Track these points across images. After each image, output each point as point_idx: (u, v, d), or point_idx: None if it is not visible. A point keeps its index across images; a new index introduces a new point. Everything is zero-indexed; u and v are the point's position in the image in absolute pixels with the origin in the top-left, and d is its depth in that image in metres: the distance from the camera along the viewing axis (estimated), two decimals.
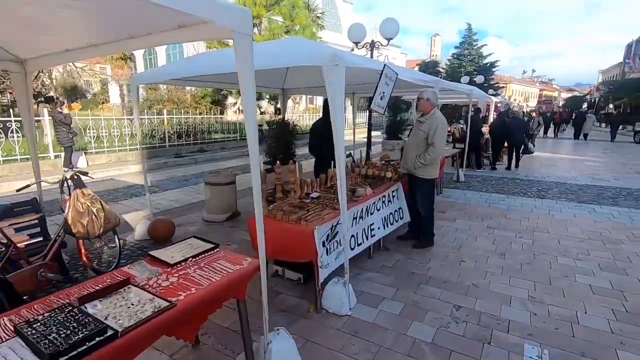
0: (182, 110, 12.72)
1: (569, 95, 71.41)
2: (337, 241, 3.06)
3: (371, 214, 3.73)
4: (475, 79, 23.63)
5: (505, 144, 10.04)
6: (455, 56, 47.70)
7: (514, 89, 65.16)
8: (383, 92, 3.56)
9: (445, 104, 20.70)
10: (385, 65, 3.40)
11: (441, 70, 48.48)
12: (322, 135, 4.60)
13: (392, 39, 8.89)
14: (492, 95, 27.37)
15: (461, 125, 11.39)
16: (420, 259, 3.91)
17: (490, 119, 13.55)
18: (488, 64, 45.45)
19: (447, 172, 8.74)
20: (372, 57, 9.22)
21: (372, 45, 9.10)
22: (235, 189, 5.49)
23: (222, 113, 13.51)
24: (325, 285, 2.91)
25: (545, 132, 22.08)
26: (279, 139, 6.57)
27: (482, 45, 45.96)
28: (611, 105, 38.64)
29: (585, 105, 51.93)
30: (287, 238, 2.76)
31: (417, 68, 45.01)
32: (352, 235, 3.39)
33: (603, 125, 30.63)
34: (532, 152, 11.13)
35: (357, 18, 46.10)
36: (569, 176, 8.81)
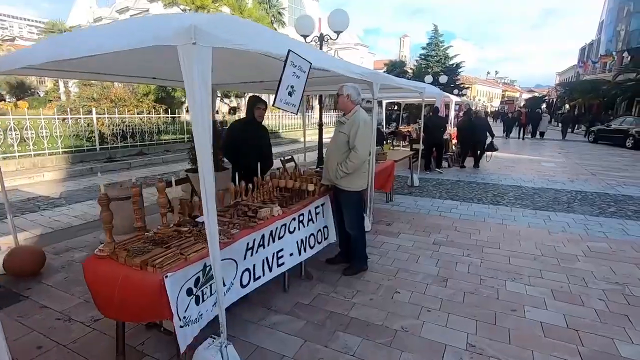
0: (122, 110, 11.49)
1: (530, 95, 74.41)
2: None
3: (280, 237, 2.98)
4: (438, 79, 23.59)
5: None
6: (422, 57, 48.40)
7: (479, 89, 67.11)
8: (291, 86, 2.81)
9: (410, 103, 20.49)
10: (290, 51, 2.64)
11: (408, 70, 49.09)
12: (242, 136, 3.80)
13: (341, 32, 8.21)
14: (457, 95, 27.64)
15: (420, 126, 10.92)
16: (345, 291, 3.20)
17: (451, 118, 13.25)
18: (454, 65, 46.43)
19: (403, 175, 8.20)
20: (321, 47, 8.52)
21: (321, 38, 8.38)
22: (142, 203, 4.57)
23: (169, 112, 12.37)
24: (197, 349, 2.12)
25: (508, 133, 21.30)
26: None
27: (448, 46, 46.90)
28: (567, 105, 40.28)
29: (544, 105, 54.15)
30: (128, 290, 1.94)
31: (384, 68, 45.24)
32: (247, 270, 2.62)
33: (560, 124, 31.74)
34: (497, 149, 10.78)
35: (325, 15, 45.49)
36: (526, 178, 8.49)
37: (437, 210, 5.79)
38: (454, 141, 12.58)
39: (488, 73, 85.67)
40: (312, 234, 3.42)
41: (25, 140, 9.04)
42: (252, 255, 2.66)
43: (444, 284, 3.34)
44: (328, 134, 18.35)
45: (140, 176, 8.38)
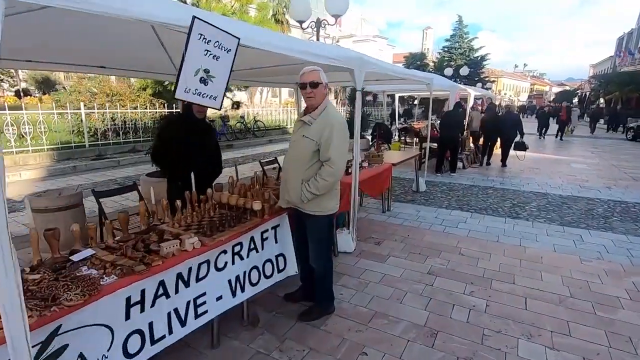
0: (117, 105, 11.02)
1: (560, 89, 70.47)
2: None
3: (200, 278, 2.18)
4: (459, 71, 22.14)
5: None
6: (445, 49, 46.60)
7: (505, 82, 64.05)
8: (205, 70, 1.98)
9: (427, 97, 19.23)
10: (195, 19, 1.80)
11: (430, 63, 47.30)
12: (178, 138, 2.99)
13: (340, 16, 7.30)
14: (483, 89, 26.02)
15: (433, 122, 9.87)
16: (294, 349, 2.38)
17: (469, 114, 12.07)
18: (479, 57, 44.43)
19: (409, 178, 7.25)
20: (317, 38, 7.64)
21: (318, 24, 7.48)
22: (82, 215, 3.89)
23: (165, 106, 11.82)
24: None
25: (542, 131, 17.45)
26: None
27: (473, 38, 44.89)
28: (602, 100, 37.52)
29: (575, 99, 50.97)
30: None
31: (404, 61, 43.67)
32: (137, 332, 1.84)
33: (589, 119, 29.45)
34: (527, 148, 9.67)
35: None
36: (552, 184, 7.34)
37: (442, 224, 4.85)
38: (471, 138, 11.48)
39: (516, 66, 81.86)
40: (256, 267, 2.61)
41: (23, 136, 8.73)
42: (142, 311, 1.87)
43: (430, 342, 2.45)
44: None
45: (122, 176, 7.80)
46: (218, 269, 2.30)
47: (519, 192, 6.67)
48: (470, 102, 11.77)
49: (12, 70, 19.12)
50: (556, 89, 74.94)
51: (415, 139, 11.67)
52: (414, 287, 3.19)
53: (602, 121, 23.95)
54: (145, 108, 11.48)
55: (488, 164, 9.52)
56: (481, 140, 11.74)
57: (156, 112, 11.64)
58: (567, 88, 67.80)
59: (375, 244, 4.18)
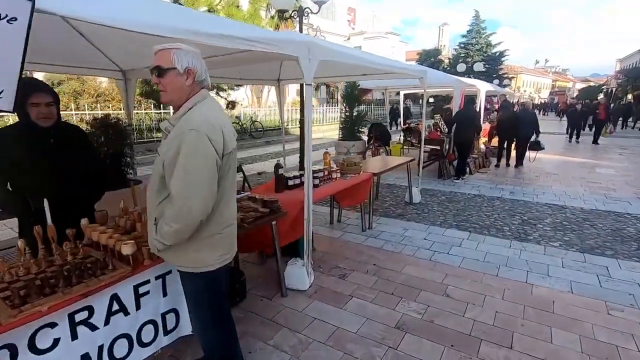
0: (104, 105, 10.53)
1: (584, 85, 67.28)
2: None
3: None
4: (473, 67, 20.86)
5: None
6: (462, 45, 45.22)
7: (525, 79, 61.66)
8: None
9: (436, 94, 18.16)
10: None
11: (444, 60, 45.82)
12: (18, 154, 2.00)
13: (324, 2, 6.48)
14: (499, 86, 24.61)
15: (437, 121, 8.91)
16: None
17: (481, 112, 11.01)
18: (497, 53, 42.92)
19: (404, 186, 6.37)
20: (300, 29, 6.82)
21: (301, 13, 6.66)
22: None
23: (159, 106, 11.27)
24: None
25: (573, 132, 14.50)
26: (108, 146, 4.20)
27: (490, 33, 43.38)
28: (629, 96, 35.24)
29: (601, 96, 48.45)
30: None
31: (417, 58, 42.37)
32: None
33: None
34: (543, 148, 8.81)
35: (358, 6, 43.08)
36: (572, 193, 6.29)
37: (430, 249, 3.96)
38: (484, 139, 10.44)
39: (537, 62, 78.79)
40: (126, 336, 1.82)
41: None
42: None
43: None
44: (321, 133, 16.53)
45: None
46: (41, 352, 1.53)
47: (531, 204, 5.67)
48: (482, 100, 10.71)
49: None
50: (580, 85, 71.64)
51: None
52: (370, 351, 2.33)
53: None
54: (134, 108, 10.93)
55: (507, 164, 8.93)
56: (494, 141, 10.76)
57: (146, 113, 11.08)
58: (592, 84, 64.61)
59: (340, 277, 3.33)
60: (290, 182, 3.56)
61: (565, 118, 18.02)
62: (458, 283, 3.20)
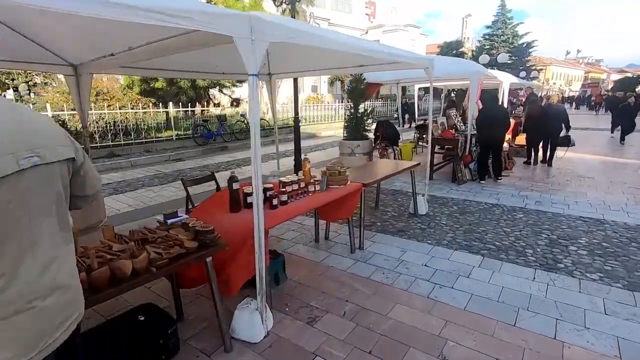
0: (102, 105, 10.18)
1: (620, 77, 63.05)
2: None
3: None
4: (497, 58, 19.46)
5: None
6: (486, 37, 43.48)
7: (555, 71, 58.47)
8: None
9: (456, 87, 16.97)
10: None
11: (467, 52, 43.95)
12: None
13: None
14: (526, 78, 23.03)
15: (453, 116, 7.97)
16: None
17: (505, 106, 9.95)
18: (524, 44, 40.95)
19: (410, 192, 5.58)
20: (293, 15, 6.09)
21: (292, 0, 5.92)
22: None
23: (159, 105, 10.83)
24: None
25: (612, 128, 13.07)
26: None
27: (517, 24, 41.40)
28: None
29: (639, 88, 45.20)
30: None
31: (438, 51, 40.76)
32: None
33: None
34: (573, 144, 8.08)
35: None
36: (613, 203, 5.29)
37: (431, 279, 3.17)
38: (507, 136, 9.41)
39: (567, 53, 74.67)
40: None
41: None
42: None
43: None
44: (332, 130, 15.65)
45: None
46: None
47: (561, 217, 4.73)
48: (505, 93, 9.66)
49: None
50: (615, 77, 67.25)
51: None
52: None
53: None
54: (133, 108, 10.53)
55: (534, 163, 8.21)
56: (518, 139, 9.75)
57: (145, 112, 10.66)
58: (629, 75, 60.44)
59: (309, 321, 2.61)
60: (250, 199, 2.86)
61: (603, 112, 16.01)
62: (461, 336, 2.41)
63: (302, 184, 3.24)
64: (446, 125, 7.26)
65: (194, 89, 11.30)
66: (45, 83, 13.53)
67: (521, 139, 9.90)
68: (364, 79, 7.93)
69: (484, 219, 4.72)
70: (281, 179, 3.19)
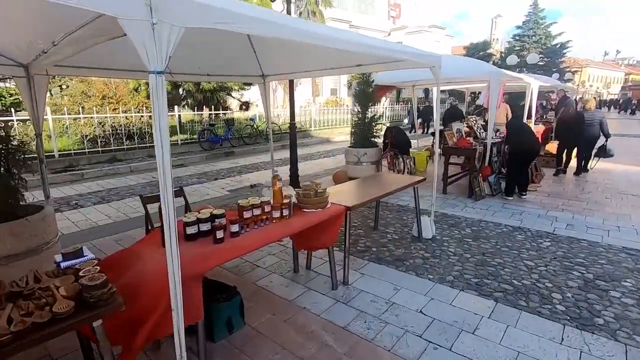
0: (103, 108, 10.02)
1: None
2: None
3: None
4: (527, 59, 18.16)
5: None
6: (516, 37, 41.77)
7: (592, 73, 55.24)
8: None
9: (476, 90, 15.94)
10: None
11: (494, 53, 42.19)
12: None
13: None
14: (560, 80, 21.52)
15: (474, 121, 7.14)
16: None
17: (533, 111, 9.00)
18: (557, 45, 38.95)
19: (419, 209, 4.88)
20: (289, 12, 5.52)
21: None
22: None
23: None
24: None
25: None
26: None
27: (550, 23, 39.45)
28: None
29: None
30: None
31: (464, 52, 39.29)
32: None
33: None
34: (612, 155, 7.31)
35: (404, 1, 40.77)
36: None
37: (423, 335, 2.48)
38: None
39: (606, 53, 70.51)
40: None
41: None
42: None
43: None
44: (344, 135, 14.87)
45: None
46: None
47: (599, 248, 3.89)
48: (533, 97, 8.72)
49: None
50: None
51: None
52: None
53: None
54: (139, 111, 10.30)
55: (564, 172, 7.55)
56: (549, 147, 8.80)
57: (150, 117, 10.39)
58: None
59: None
60: (191, 230, 2.28)
61: None
62: None
63: (268, 208, 2.64)
64: (463, 133, 6.46)
65: (200, 92, 10.97)
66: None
67: (552, 147, 8.91)
68: (372, 80, 7.25)
69: (502, 247, 3.94)
70: (240, 201, 2.60)
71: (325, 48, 2.53)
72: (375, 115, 7.42)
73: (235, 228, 2.33)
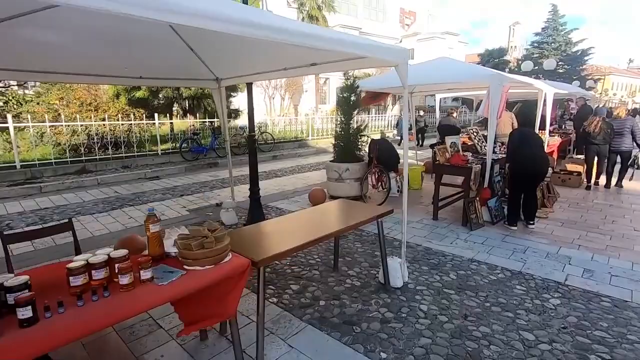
0: (86, 115, 9.45)
1: None
2: None
3: None
4: (544, 65, 16.91)
5: None
6: (535, 44, 40.50)
7: (615, 81, 52.89)
8: None
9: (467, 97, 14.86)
10: None
11: (510, 60, 40.80)
12: None
13: None
14: (582, 88, 20.14)
15: (473, 133, 6.13)
16: None
17: (547, 120, 7.91)
18: (579, 52, 37.47)
19: (399, 239, 3.94)
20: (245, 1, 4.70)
21: None
22: None
23: (151, 116, 9.97)
24: None
25: None
26: None
27: (570, 30, 38.06)
28: None
29: None
30: None
31: (478, 60, 38.03)
32: None
33: None
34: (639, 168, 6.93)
35: (419, 9, 39.88)
36: None
37: None
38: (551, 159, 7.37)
39: (630, 61, 67.63)
40: None
41: None
42: None
43: None
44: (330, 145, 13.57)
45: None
46: None
47: (626, 311, 2.83)
48: (548, 105, 7.66)
49: None
50: None
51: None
52: None
53: None
54: (119, 119, 9.67)
55: (595, 184, 7.09)
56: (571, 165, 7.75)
57: (129, 125, 9.76)
58: None
59: None
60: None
61: None
62: None
63: (117, 268, 1.76)
64: (459, 148, 5.47)
65: (183, 99, 10.30)
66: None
67: (571, 165, 7.78)
68: (357, 86, 6.36)
69: (493, 304, 2.94)
70: (68, 265, 1.73)
71: (276, 45, 1.83)
72: (361, 125, 6.49)
73: (24, 313, 1.44)
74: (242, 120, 12.61)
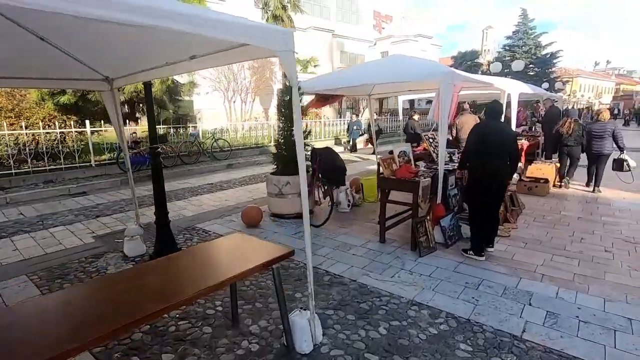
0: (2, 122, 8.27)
1: None
2: None
3: None
4: (512, 66, 16.66)
5: None
6: (506, 47, 41.34)
7: (583, 83, 54.47)
8: None
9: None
10: None
11: (483, 63, 41.34)
12: None
13: None
14: (550, 90, 20.11)
15: (430, 140, 5.42)
16: None
17: (513, 123, 7.35)
18: (548, 55, 38.48)
19: (339, 277, 3.08)
20: None
21: None
22: None
23: (83, 123, 8.86)
24: None
25: None
26: None
27: (540, 34, 39.01)
28: None
29: None
30: None
31: (452, 62, 38.23)
32: None
33: None
34: (629, 169, 6.36)
35: (395, 13, 39.71)
36: None
37: None
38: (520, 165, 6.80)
39: (596, 63, 70.29)
40: None
41: None
42: None
43: None
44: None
45: None
46: None
47: None
48: (512, 106, 7.12)
49: None
50: None
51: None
52: None
53: None
54: (45, 127, 8.52)
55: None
56: (532, 170, 7.22)
57: (56, 133, 8.62)
58: None
59: None
60: None
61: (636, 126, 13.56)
62: None
63: None
64: (410, 157, 4.73)
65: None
66: None
67: (535, 170, 7.24)
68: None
69: None
70: None
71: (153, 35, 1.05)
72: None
73: None
74: (206, 125, 11.59)
